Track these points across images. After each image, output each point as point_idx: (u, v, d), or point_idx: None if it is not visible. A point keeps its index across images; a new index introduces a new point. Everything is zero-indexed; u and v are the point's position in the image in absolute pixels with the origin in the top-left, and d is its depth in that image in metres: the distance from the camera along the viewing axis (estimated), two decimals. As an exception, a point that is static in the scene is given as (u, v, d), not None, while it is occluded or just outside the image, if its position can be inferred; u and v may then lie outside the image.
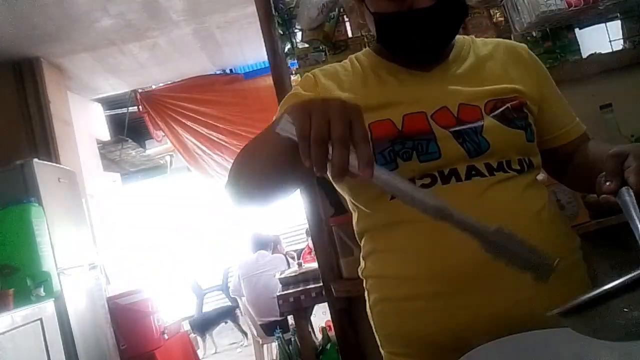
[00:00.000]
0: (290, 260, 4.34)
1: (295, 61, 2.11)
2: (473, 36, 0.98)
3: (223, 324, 5.94)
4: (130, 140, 5.62)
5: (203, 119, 4.98)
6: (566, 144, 0.93)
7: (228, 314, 5.79)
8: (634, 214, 0.61)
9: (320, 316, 3.59)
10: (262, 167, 0.76)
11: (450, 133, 0.81)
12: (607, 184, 0.67)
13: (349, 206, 0.95)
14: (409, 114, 0.83)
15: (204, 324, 5.72)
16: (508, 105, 0.84)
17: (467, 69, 0.90)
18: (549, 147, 0.93)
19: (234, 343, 5.87)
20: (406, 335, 0.83)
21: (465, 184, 0.79)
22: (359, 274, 0.95)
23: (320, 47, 2.07)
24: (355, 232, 0.94)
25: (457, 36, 0.93)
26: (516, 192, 0.80)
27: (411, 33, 0.85)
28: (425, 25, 0.84)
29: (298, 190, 2.00)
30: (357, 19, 1.99)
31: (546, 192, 0.87)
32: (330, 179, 0.70)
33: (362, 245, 0.93)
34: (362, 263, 0.93)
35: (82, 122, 4.36)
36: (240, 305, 4.40)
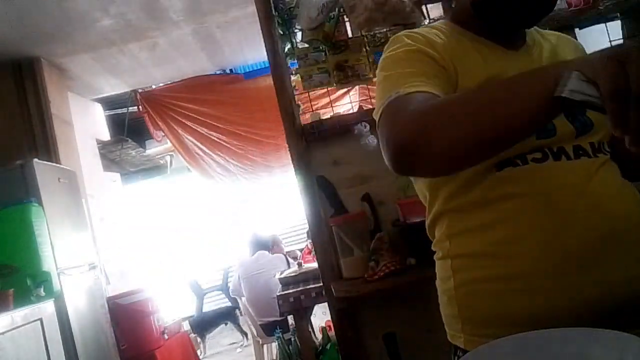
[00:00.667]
0: (291, 260, 4.34)
1: (295, 61, 2.11)
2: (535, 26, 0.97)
3: (223, 325, 5.93)
4: (130, 140, 5.62)
5: (203, 119, 4.97)
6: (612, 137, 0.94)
7: (228, 315, 5.78)
8: None
9: (320, 316, 3.59)
10: (481, 130, 0.64)
11: None
12: None
13: (424, 188, 0.90)
14: None
15: (203, 325, 5.72)
16: None
17: (549, 54, 0.90)
18: None
19: (234, 343, 5.86)
20: (505, 316, 0.78)
21: (575, 163, 0.79)
22: (439, 255, 0.90)
23: (320, 47, 2.07)
24: (433, 214, 0.90)
25: None
26: (618, 175, 0.82)
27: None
28: None
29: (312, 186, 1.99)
30: (357, 18, 1.99)
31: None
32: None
33: (442, 226, 0.89)
34: (447, 243, 0.87)
35: (82, 122, 4.35)
36: (240, 305, 4.40)
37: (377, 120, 0.79)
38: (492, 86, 0.72)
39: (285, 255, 4.36)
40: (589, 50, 2.05)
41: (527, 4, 0.83)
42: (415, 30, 0.91)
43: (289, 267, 4.08)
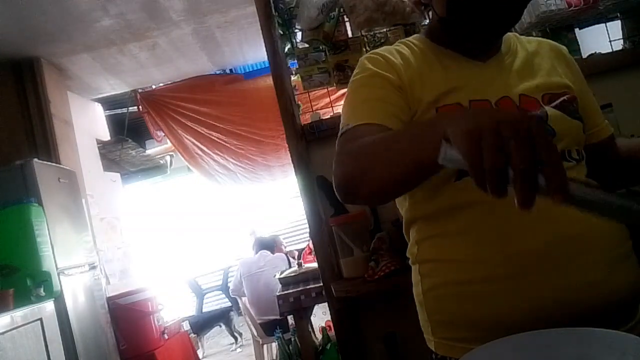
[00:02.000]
0: (292, 260, 4.34)
1: (295, 61, 2.11)
2: (516, 33, 1.00)
3: (217, 327, 5.92)
4: (130, 140, 5.62)
5: (203, 119, 4.97)
6: (597, 143, 0.97)
7: (221, 317, 5.78)
8: None
9: (320, 316, 3.59)
10: (395, 175, 0.71)
11: None
12: None
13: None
14: (475, 100, 0.85)
15: (199, 325, 5.72)
16: (564, 97, 0.87)
17: (521, 62, 0.92)
18: (586, 144, 0.95)
19: (232, 344, 5.87)
20: (469, 319, 0.81)
21: None
22: (410, 260, 0.94)
23: (320, 47, 2.07)
24: (405, 220, 0.95)
25: None
26: (580, 179, 0.82)
27: (484, 10, 0.84)
28: (498, 2, 0.83)
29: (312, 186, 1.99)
30: (357, 18, 1.99)
31: None
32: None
33: (413, 232, 0.93)
34: (415, 248, 0.92)
35: (82, 122, 4.35)
36: (240, 305, 4.40)
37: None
38: (403, 132, 0.77)
39: (286, 255, 4.37)
40: (589, 50, 2.04)
41: (487, 19, 0.85)
42: (378, 51, 0.95)
43: (290, 266, 4.08)
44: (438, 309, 0.87)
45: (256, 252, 4.38)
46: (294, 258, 4.46)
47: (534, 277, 0.76)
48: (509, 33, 0.96)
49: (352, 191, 0.79)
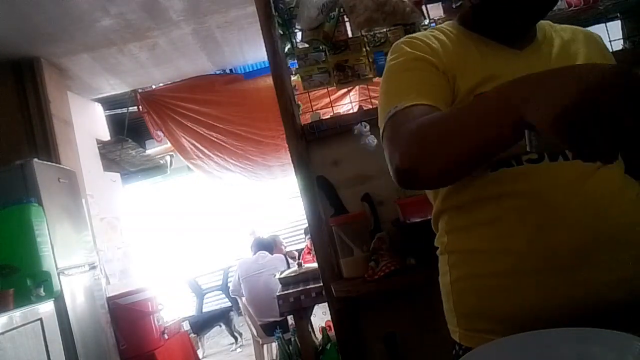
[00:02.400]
0: (290, 261, 4.34)
1: (295, 61, 2.11)
2: (550, 21, 0.97)
3: (217, 327, 5.92)
4: (130, 140, 5.62)
5: (203, 119, 4.97)
6: None
7: (221, 317, 5.78)
8: None
9: (320, 316, 3.59)
10: (464, 156, 0.69)
11: None
12: None
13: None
14: None
15: (199, 325, 5.72)
16: None
17: (558, 50, 0.90)
18: None
19: (233, 344, 5.87)
20: (495, 312, 0.80)
21: (573, 164, 0.78)
22: (439, 250, 0.93)
23: (320, 47, 2.07)
24: (435, 210, 0.93)
25: None
26: (618, 175, 0.81)
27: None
28: None
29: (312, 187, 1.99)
30: (357, 18, 1.99)
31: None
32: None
33: (442, 223, 0.92)
34: (444, 238, 0.91)
35: (82, 122, 4.35)
36: (240, 305, 4.40)
37: (381, 133, 0.84)
38: (471, 109, 0.72)
39: (285, 256, 4.37)
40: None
41: (522, 5, 0.84)
42: (416, 35, 0.93)
43: (288, 267, 4.09)
44: (464, 301, 0.86)
45: (254, 253, 4.37)
46: (293, 258, 4.46)
47: (561, 272, 0.75)
48: (542, 21, 0.94)
49: (416, 174, 0.73)
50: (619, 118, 0.46)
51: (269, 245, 4.45)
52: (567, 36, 0.94)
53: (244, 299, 4.21)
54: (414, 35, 0.94)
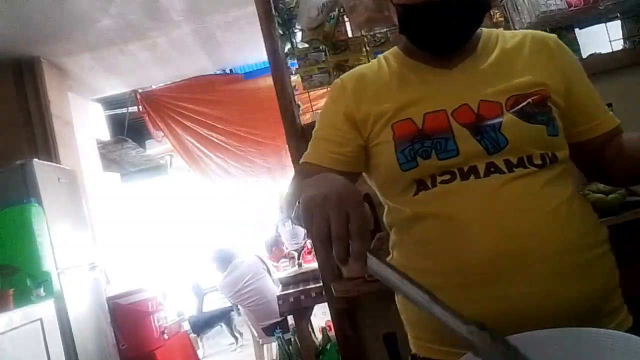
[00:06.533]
0: (291, 261, 4.32)
1: (295, 61, 2.11)
2: (502, 29, 0.98)
3: (218, 327, 5.92)
4: (130, 140, 5.61)
5: (203, 119, 4.97)
6: (595, 137, 0.91)
7: (222, 317, 5.77)
8: None
9: (320, 316, 3.59)
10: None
11: (469, 130, 0.83)
12: None
13: (381, 200, 1.00)
14: (430, 112, 0.85)
15: (200, 325, 5.71)
16: (529, 100, 0.84)
17: (492, 63, 0.89)
18: (578, 140, 0.91)
19: (233, 344, 5.87)
20: (429, 323, 0.83)
21: (483, 181, 0.81)
22: None
23: (320, 47, 2.07)
24: (385, 224, 0.99)
25: (485, 29, 0.93)
26: (534, 188, 0.80)
27: (434, 24, 0.86)
28: (447, 15, 0.84)
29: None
30: (357, 18, 1.99)
31: (572, 186, 0.85)
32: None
33: (390, 236, 0.97)
34: (391, 253, 0.96)
35: (82, 122, 4.35)
36: (241, 308, 4.40)
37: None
38: (296, 187, 0.88)
39: (259, 257, 4.34)
40: (589, 50, 2.03)
41: (438, 32, 0.86)
42: (343, 77, 1.00)
43: (265, 265, 4.11)
44: (404, 312, 0.94)
45: (222, 270, 4.28)
46: (293, 259, 4.45)
47: (482, 287, 0.77)
48: (492, 30, 0.95)
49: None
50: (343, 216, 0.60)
51: (229, 258, 4.35)
52: (512, 44, 0.92)
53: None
54: (342, 76, 1.00)
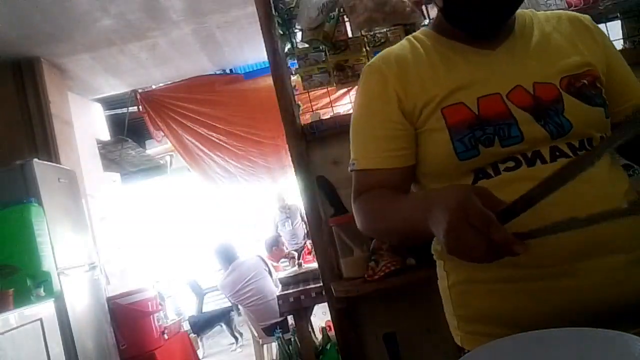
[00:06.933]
0: (290, 261, 4.33)
1: (295, 61, 2.11)
2: (534, 10, 0.95)
3: (218, 327, 5.92)
4: (130, 140, 5.62)
5: (203, 119, 4.97)
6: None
7: (222, 317, 5.77)
8: None
9: (320, 316, 3.58)
10: (398, 240, 0.93)
11: (532, 115, 0.80)
12: None
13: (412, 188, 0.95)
14: (484, 96, 0.81)
15: (200, 325, 5.71)
16: (584, 81, 0.82)
17: (535, 45, 0.86)
18: (617, 120, 0.88)
19: (233, 344, 5.86)
20: (492, 315, 0.81)
21: (551, 166, 0.77)
22: (435, 256, 0.94)
23: (320, 47, 2.07)
24: None
25: (518, 11, 0.90)
26: (603, 172, 0.78)
27: (480, 2, 0.81)
28: None
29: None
30: (357, 18, 1.99)
31: (623, 170, 0.84)
32: None
33: None
34: (438, 246, 0.92)
35: (82, 122, 4.35)
36: (241, 308, 4.40)
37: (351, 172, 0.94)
38: (398, 209, 0.83)
39: (261, 257, 4.33)
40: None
41: (485, 6, 0.81)
42: (376, 62, 0.93)
43: (266, 265, 4.10)
44: (463, 304, 0.87)
45: (225, 267, 4.22)
46: (293, 259, 4.45)
47: (550, 280, 0.75)
48: (525, 11, 0.92)
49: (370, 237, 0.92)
50: (484, 229, 0.61)
51: (231, 253, 4.28)
52: (550, 26, 0.90)
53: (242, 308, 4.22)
54: (374, 62, 0.93)
